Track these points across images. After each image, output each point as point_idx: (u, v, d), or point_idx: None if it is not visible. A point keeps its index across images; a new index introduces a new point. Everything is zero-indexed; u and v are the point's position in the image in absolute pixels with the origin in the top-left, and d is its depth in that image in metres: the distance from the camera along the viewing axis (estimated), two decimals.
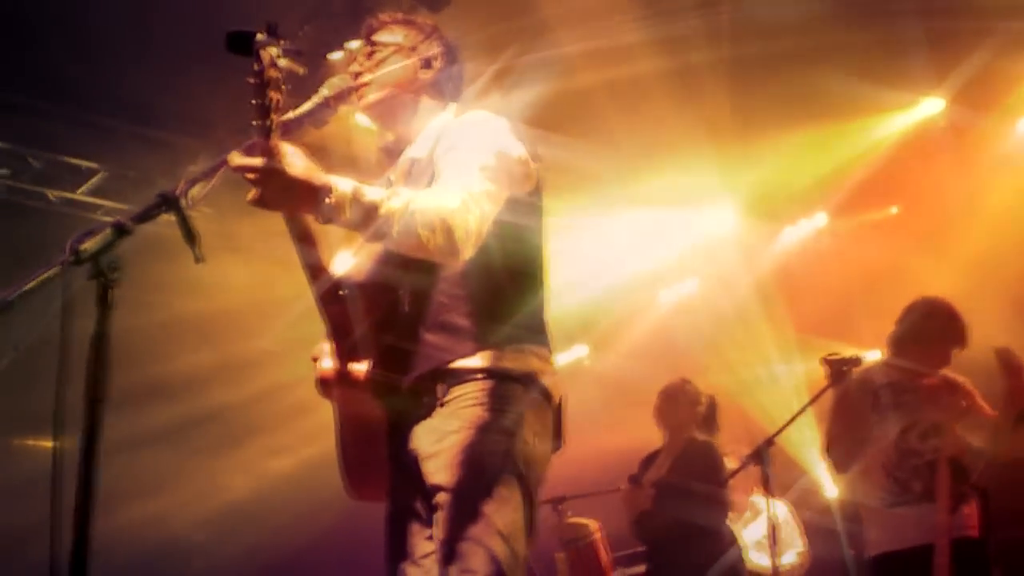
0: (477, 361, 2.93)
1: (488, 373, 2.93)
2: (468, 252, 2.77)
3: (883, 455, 5.08)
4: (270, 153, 2.52)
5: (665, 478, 6.24)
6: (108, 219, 2.79)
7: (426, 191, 2.82)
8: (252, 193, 2.57)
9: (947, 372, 5.19)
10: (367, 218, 2.63)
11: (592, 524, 6.67)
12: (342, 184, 2.63)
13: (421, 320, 2.98)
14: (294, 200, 2.61)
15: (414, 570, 2.97)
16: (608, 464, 7.63)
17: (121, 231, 2.38)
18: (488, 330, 2.96)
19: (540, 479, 2.97)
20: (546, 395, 3.00)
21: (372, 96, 3.12)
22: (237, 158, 2.56)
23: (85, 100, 7.09)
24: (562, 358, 10.91)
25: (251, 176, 2.54)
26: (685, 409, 6.45)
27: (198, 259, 2.44)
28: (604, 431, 8.87)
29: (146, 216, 2.46)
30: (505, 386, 2.93)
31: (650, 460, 6.54)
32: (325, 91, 2.97)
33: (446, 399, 2.93)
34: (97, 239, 2.36)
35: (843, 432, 5.23)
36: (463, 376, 2.93)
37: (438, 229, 2.67)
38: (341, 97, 3.00)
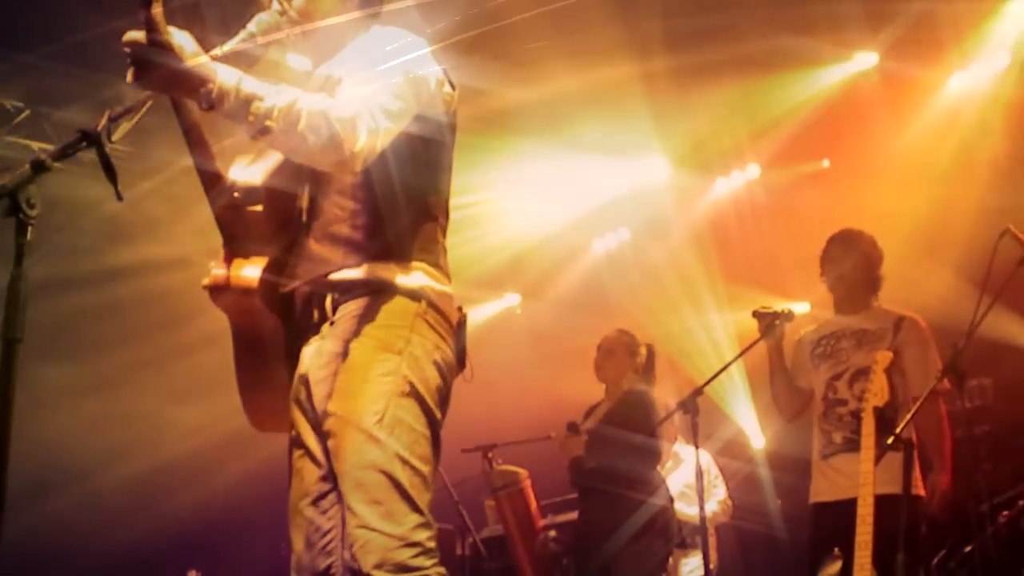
0: (359, 273, 2.84)
1: (372, 286, 2.82)
2: (358, 164, 2.67)
3: (817, 406, 5.15)
4: (151, 25, 2.43)
5: (597, 426, 6.26)
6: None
7: (321, 95, 2.72)
8: (131, 73, 2.48)
9: (902, 310, 5.16)
10: (248, 111, 2.53)
11: (521, 472, 6.69)
12: (226, 72, 2.54)
13: (311, 230, 2.91)
14: (175, 82, 2.51)
15: (312, 511, 2.87)
16: (537, 412, 7.63)
17: (40, 167, 2.30)
18: (376, 243, 2.85)
19: (440, 395, 2.85)
20: (437, 310, 2.88)
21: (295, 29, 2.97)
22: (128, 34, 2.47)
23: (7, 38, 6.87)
24: (493, 306, 11.03)
25: (131, 51, 2.46)
26: (623, 360, 6.45)
27: (119, 196, 2.37)
28: (534, 379, 8.91)
29: (66, 153, 2.37)
30: (391, 301, 2.82)
31: (593, 409, 6.56)
32: (252, 27, 2.86)
33: (335, 318, 2.85)
34: (15, 175, 2.27)
35: (787, 382, 5.30)
36: (348, 289, 2.84)
37: (324, 134, 2.59)
38: (268, 34, 2.89)
